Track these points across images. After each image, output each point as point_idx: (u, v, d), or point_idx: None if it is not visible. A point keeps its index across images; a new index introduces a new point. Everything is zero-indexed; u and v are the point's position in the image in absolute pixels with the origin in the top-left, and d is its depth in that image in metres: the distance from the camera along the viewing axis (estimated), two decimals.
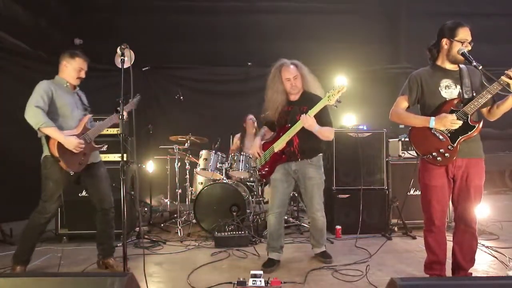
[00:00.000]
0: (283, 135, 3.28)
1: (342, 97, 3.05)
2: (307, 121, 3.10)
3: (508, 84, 2.39)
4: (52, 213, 3.17)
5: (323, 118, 3.24)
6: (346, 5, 7.48)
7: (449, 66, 2.66)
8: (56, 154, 3.00)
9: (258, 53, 7.15)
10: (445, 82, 2.64)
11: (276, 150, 3.34)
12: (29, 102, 3.00)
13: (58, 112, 3.11)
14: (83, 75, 3.26)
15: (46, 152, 3.09)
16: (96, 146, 3.29)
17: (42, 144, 3.12)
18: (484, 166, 2.65)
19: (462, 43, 2.53)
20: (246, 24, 7.32)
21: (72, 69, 3.20)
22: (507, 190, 7.01)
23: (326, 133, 3.24)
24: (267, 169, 3.43)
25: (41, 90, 3.04)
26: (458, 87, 2.62)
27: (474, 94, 2.58)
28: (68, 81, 3.23)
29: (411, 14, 7.51)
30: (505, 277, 2.66)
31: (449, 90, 2.62)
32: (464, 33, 2.54)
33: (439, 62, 2.69)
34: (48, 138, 3.03)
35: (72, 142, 3.03)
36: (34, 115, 2.94)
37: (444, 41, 2.61)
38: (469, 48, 2.55)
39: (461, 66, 2.65)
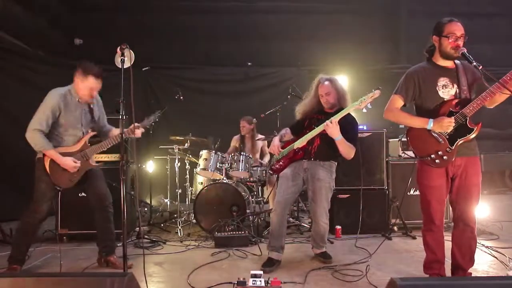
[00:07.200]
0: (307, 133, 3.29)
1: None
2: (330, 126, 3.07)
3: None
4: (43, 214, 3.11)
5: (349, 132, 3.22)
6: (346, 5, 7.46)
7: (443, 63, 2.67)
8: (48, 170, 3.04)
9: (258, 53, 7.16)
10: (442, 81, 2.64)
11: (295, 147, 3.36)
12: (32, 121, 3.00)
13: (60, 125, 3.10)
14: (95, 94, 3.21)
15: (40, 154, 3.09)
16: (93, 164, 3.28)
17: None
18: (480, 165, 2.69)
19: (448, 37, 2.55)
20: (246, 24, 7.31)
21: (83, 87, 3.14)
22: (507, 190, 6.98)
23: (347, 148, 3.19)
24: (281, 163, 3.45)
25: (48, 109, 3.01)
26: (455, 86, 2.64)
27: (471, 95, 2.62)
28: (80, 97, 3.19)
29: (411, 14, 7.50)
30: (505, 277, 2.65)
31: (446, 90, 2.64)
32: (451, 27, 2.56)
33: (434, 59, 2.72)
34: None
35: (68, 164, 3.06)
36: (32, 137, 2.99)
37: (434, 38, 2.66)
38: (460, 43, 2.54)
39: (457, 62, 2.68)
